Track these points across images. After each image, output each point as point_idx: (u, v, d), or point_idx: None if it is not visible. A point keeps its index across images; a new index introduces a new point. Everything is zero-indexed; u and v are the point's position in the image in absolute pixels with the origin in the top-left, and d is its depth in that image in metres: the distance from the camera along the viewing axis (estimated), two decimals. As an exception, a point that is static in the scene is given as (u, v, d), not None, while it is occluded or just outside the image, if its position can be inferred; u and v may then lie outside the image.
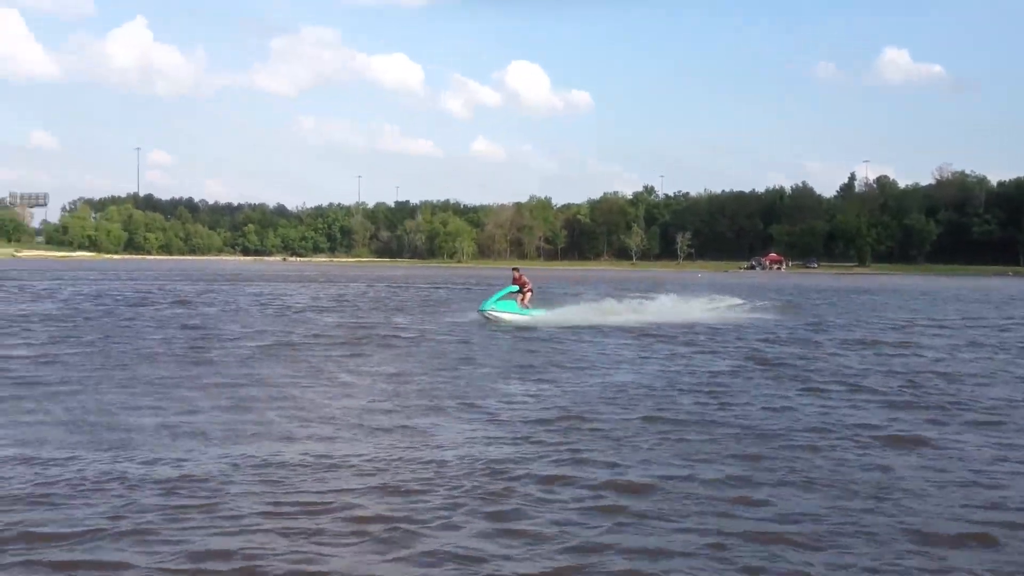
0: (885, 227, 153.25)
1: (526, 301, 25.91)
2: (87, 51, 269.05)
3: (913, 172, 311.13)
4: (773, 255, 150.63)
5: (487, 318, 25.25)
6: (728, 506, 7.75)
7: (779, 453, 9.68)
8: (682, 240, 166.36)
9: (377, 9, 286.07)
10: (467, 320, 26.07)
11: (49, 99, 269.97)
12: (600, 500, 7.87)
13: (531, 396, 13.21)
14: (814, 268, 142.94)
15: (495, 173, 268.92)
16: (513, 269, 27.08)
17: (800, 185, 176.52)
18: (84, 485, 7.89)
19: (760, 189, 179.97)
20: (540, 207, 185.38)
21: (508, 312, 25.37)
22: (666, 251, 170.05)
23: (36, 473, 8.23)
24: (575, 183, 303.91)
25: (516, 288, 25.83)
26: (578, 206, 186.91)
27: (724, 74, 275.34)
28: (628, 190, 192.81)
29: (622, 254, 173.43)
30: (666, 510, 7.60)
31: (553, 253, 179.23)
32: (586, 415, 11.64)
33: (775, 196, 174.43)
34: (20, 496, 7.51)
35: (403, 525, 7.04)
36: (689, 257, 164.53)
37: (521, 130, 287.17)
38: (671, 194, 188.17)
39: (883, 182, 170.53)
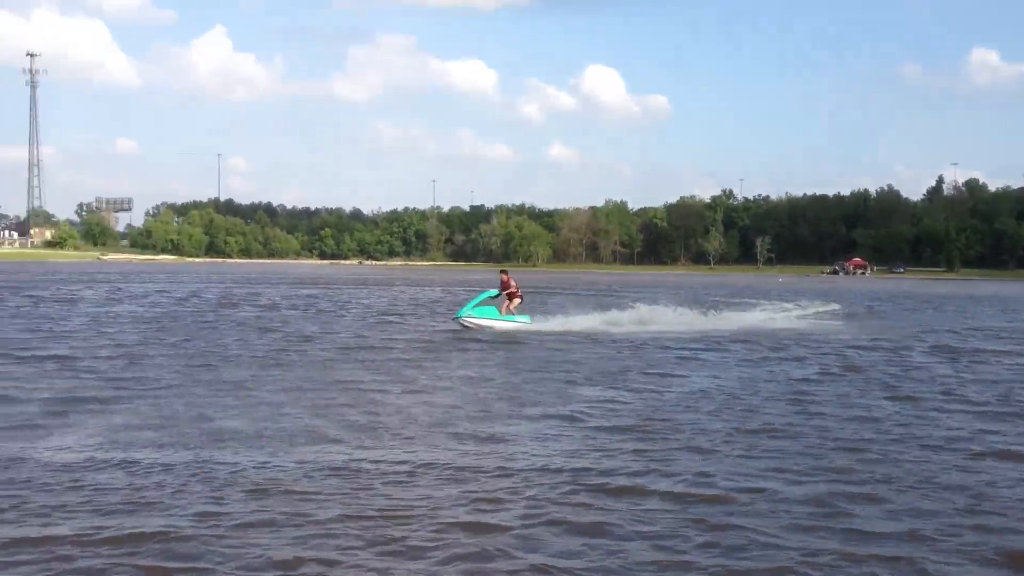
0: (975, 231, 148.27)
1: (511, 307, 24.15)
2: (169, 60, 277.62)
3: (1004, 175, 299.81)
4: (857, 260, 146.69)
5: (463, 326, 23.50)
6: (817, 521, 7.47)
7: (869, 467, 9.31)
8: (761, 244, 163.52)
9: (451, 14, 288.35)
10: (546, 328, 24.75)
11: (133, 106, 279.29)
12: (686, 512, 7.66)
13: (612, 402, 13.04)
14: (900, 273, 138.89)
15: (571, 177, 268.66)
16: (501, 272, 25.29)
17: (885, 188, 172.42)
18: (172, 487, 7.99)
19: (844, 192, 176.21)
20: (616, 211, 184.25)
21: (487, 318, 23.63)
22: (745, 255, 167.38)
23: (125, 474, 8.37)
24: (652, 187, 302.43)
25: (495, 293, 24.20)
26: (655, 210, 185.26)
27: (805, 76, 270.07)
28: (706, 194, 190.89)
29: (700, 258, 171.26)
30: (754, 524, 7.35)
31: (629, 257, 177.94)
32: (669, 423, 11.43)
33: (859, 200, 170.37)
34: (110, 498, 7.63)
35: (486, 535, 6.95)
36: (769, 262, 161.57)
37: (597, 134, 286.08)
38: (750, 198, 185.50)
39: (972, 185, 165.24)
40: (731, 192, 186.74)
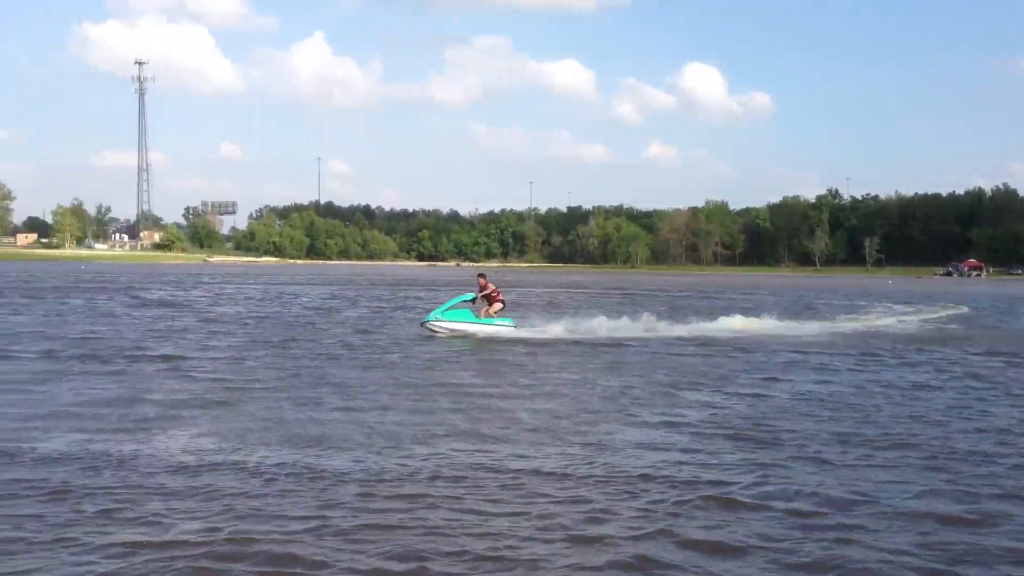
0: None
1: (491, 312, 22.40)
2: (270, 65, 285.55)
3: None
4: (972, 261, 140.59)
5: (432, 331, 21.85)
6: (944, 536, 7.08)
7: (997, 480, 8.77)
8: (870, 245, 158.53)
9: (548, 15, 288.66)
10: (653, 332, 23.84)
11: (236, 111, 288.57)
12: (804, 524, 7.32)
13: (719, 406, 12.74)
14: (1019, 275, 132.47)
15: (669, 177, 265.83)
16: (479, 276, 23.42)
17: (1001, 187, 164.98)
18: (283, 483, 8.06)
19: (958, 191, 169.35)
20: (717, 211, 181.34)
21: (461, 321, 22.00)
22: (852, 256, 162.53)
23: (235, 475, 8.46)
24: (754, 186, 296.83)
25: (471, 296, 22.68)
26: (757, 210, 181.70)
27: (915, 71, 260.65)
28: (811, 193, 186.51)
29: (804, 259, 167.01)
30: (876, 540, 6.94)
31: (731, 258, 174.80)
32: (780, 430, 11.04)
33: (973, 198, 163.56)
34: (221, 500, 7.69)
35: (595, 546, 6.74)
36: (877, 263, 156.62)
37: (697, 133, 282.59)
38: (858, 197, 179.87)
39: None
40: (837, 191, 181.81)
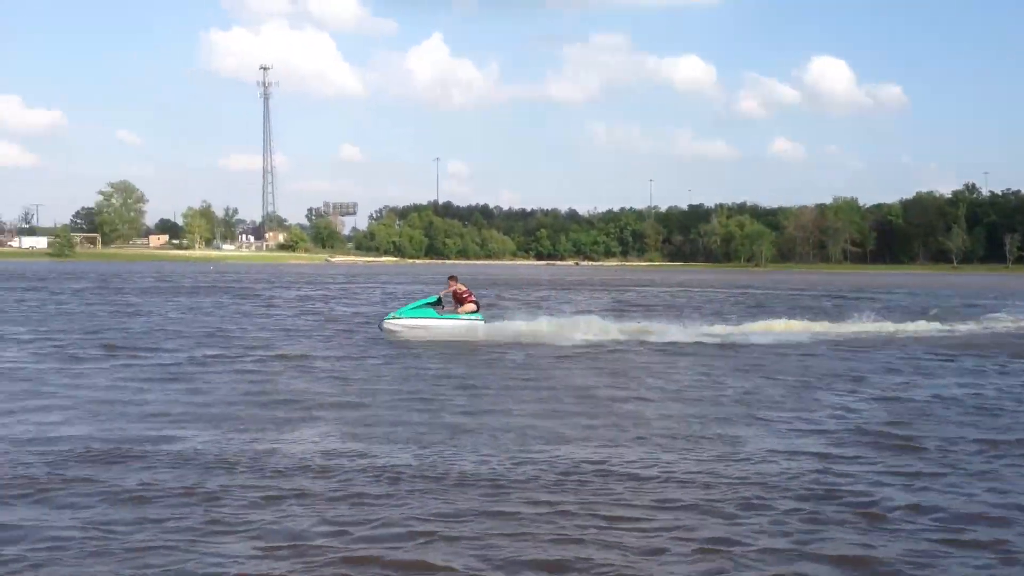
0: None
1: (462, 310, 21.55)
2: (389, 68, 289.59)
3: None
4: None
5: (391, 331, 21.08)
6: None
7: None
8: (1011, 242, 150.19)
9: (667, 11, 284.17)
10: (781, 333, 23.17)
11: (356, 114, 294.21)
12: (957, 539, 6.86)
13: (855, 410, 12.25)
14: None
15: (795, 173, 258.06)
16: (449, 278, 22.37)
17: None
18: (411, 484, 8.07)
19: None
20: (845, 208, 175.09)
21: (423, 318, 21.15)
22: (992, 254, 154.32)
23: (365, 471, 8.53)
24: (885, 182, 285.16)
25: (435, 299, 21.81)
26: (889, 206, 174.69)
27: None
28: (946, 188, 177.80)
29: (939, 257, 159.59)
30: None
31: (861, 256, 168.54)
32: (921, 434, 10.56)
33: None
34: (352, 494, 7.76)
35: (726, 557, 6.47)
36: (1019, 260, 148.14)
37: (824, 128, 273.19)
38: (997, 192, 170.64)
39: None
40: (974, 186, 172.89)
